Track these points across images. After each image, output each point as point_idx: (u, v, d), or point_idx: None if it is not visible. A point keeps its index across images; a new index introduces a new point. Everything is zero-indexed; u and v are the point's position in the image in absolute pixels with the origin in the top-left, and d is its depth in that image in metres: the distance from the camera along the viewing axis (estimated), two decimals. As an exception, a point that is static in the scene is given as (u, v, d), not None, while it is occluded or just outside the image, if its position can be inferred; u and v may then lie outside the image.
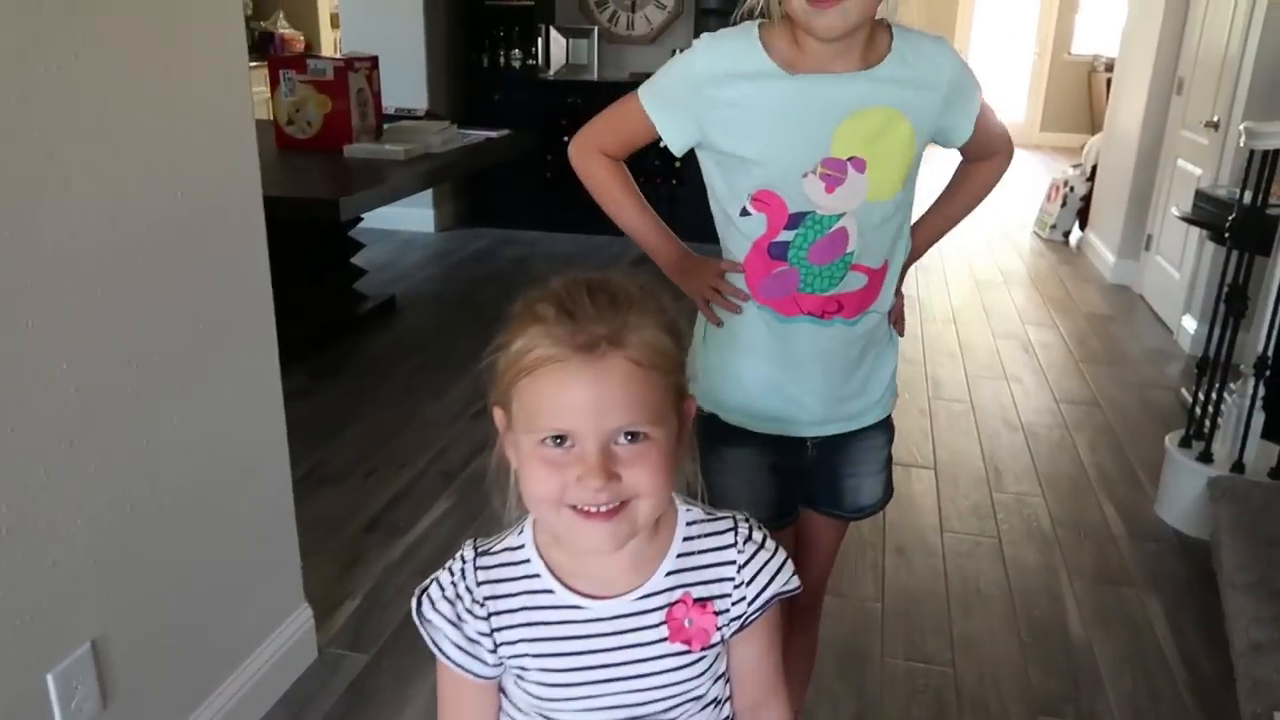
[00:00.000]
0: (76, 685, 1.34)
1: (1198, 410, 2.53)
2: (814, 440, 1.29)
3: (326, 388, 3.27)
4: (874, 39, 1.14)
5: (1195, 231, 3.78)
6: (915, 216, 1.31)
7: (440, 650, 0.86)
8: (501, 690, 0.90)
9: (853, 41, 1.11)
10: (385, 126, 3.82)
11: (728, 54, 1.15)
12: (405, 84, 4.83)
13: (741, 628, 0.89)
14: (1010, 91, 9.50)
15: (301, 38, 6.73)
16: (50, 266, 1.25)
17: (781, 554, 0.90)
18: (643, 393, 0.78)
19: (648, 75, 1.28)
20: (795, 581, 0.90)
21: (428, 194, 5.21)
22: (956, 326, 4.04)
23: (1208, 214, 3.00)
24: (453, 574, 0.87)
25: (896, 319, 1.31)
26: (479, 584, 0.85)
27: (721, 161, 1.20)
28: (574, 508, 0.78)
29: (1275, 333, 2.31)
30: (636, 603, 0.85)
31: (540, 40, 5.33)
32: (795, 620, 1.43)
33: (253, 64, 5.52)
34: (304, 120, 3.67)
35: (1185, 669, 1.97)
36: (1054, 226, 5.64)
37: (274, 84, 3.65)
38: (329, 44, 6.82)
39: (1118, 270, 4.73)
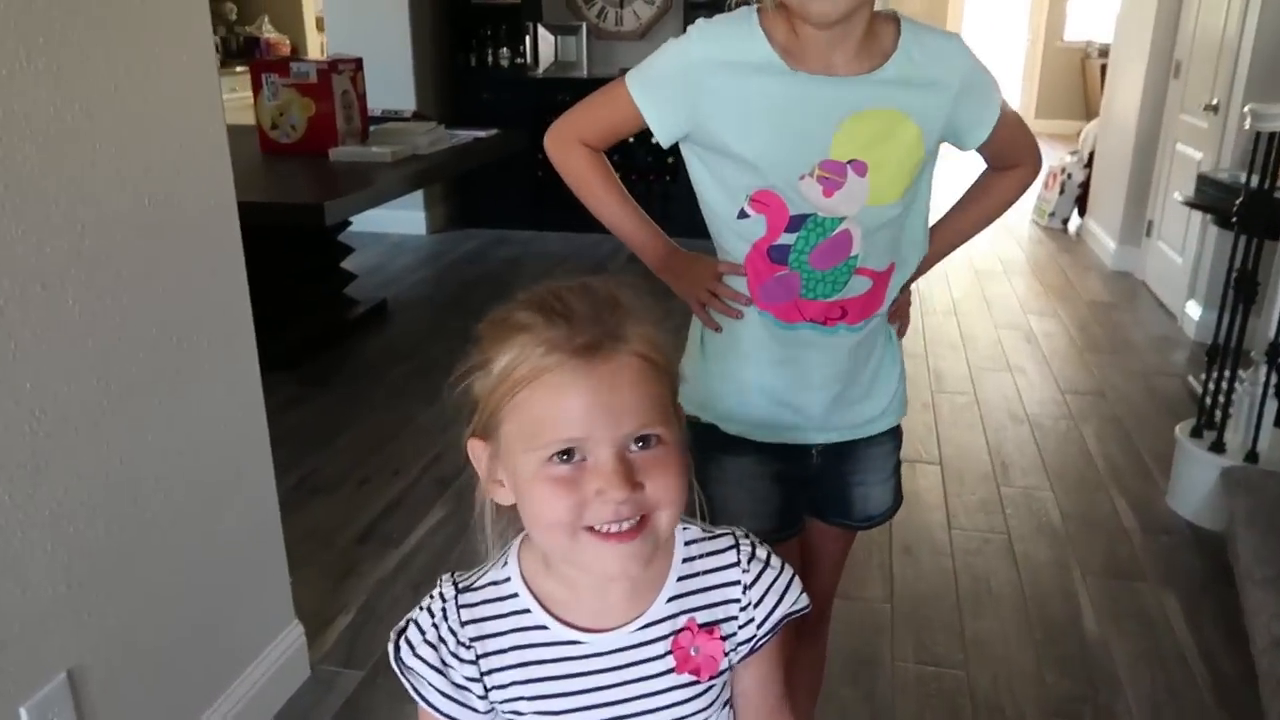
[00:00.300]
0: (53, 718, 1.28)
1: (1208, 399, 2.47)
2: (819, 448, 1.22)
3: (317, 395, 3.20)
4: (878, 33, 1.07)
5: (1198, 216, 3.73)
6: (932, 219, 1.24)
7: (425, 700, 0.78)
8: None
9: (850, 29, 1.04)
10: (371, 129, 3.76)
11: (726, 41, 1.08)
12: (391, 85, 4.77)
13: (751, 651, 0.82)
14: (1004, 80, 9.37)
15: (287, 41, 6.66)
16: (14, 278, 1.19)
17: (789, 571, 0.83)
18: (654, 392, 0.71)
19: (640, 71, 1.21)
20: (805, 600, 0.83)
21: (418, 196, 5.15)
22: (957, 318, 3.98)
23: (1211, 198, 2.95)
24: (433, 615, 0.78)
25: (898, 313, 1.24)
26: (463, 624, 0.77)
27: (711, 159, 1.12)
28: (591, 530, 0.70)
29: (1287, 318, 2.25)
30: (638, 633, 0.78)
31: (528, 38, 5.27)
32: (803, 634, 1.36)
33: (237, 69, 5.44)
34: (288, 124, 3.60)
35: (1204, 666, 1.91)
36: (1053, 214, 5.59)
37: (256, 88, 3.58)
38: (315, 48, 6.75)
39: (1119, 257, 4.68)
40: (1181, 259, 3.96)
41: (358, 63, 3.69)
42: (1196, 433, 2.46)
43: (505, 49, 5.22)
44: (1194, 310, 3.75)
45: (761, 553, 0.83)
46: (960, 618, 2.07)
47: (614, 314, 0.72)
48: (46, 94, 1.21)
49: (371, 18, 4.97)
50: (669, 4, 5.34)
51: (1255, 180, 2.27)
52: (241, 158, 1.61)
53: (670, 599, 0.79)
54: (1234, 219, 2.29)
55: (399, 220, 5.12)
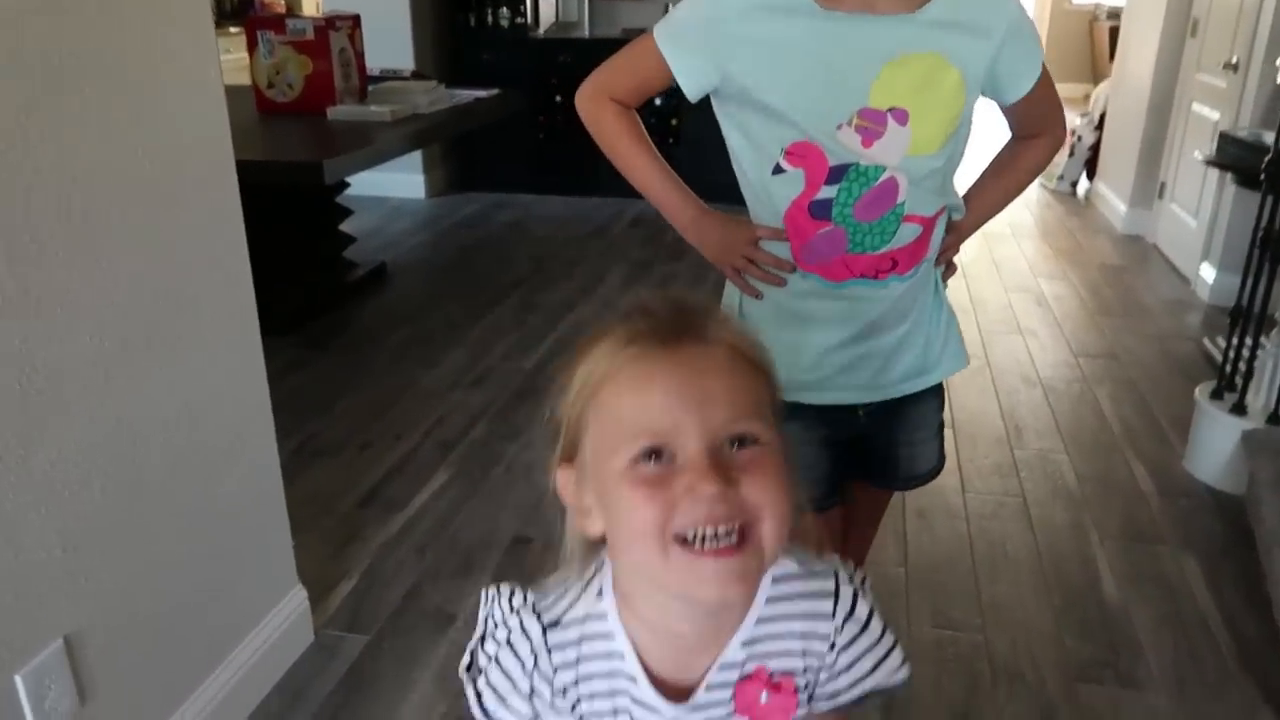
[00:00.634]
0: (49, 684, 1.23)
1: (1229, 362, 2.42)
2: (866, 408, 1.17)
3: (317, 359, 3.15)
4: None
5: (1213, 177, 3.66)
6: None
7: None
8: None
9: None
10: (370, 88, 3.67)
11: None
12: (390, 44, 4.66)
13: (830, 710, 0.74)
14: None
15: (283, 1, 6.53)
16: (2, 232, 1.13)
17: (890, 638, 0.75)
18: (747, 385, 0.64)
19: (641, 32, 1.15)
20: (903, 674, 0.75)
21: (417, 159, 5.06)
22: (967, 281, 3.92)
23: (1234, 156, 2.88)
24: (521, 660, 0.70)
25: (944, 255, 1.18)
26: (557, 670, 0.70)
27: (742, 113, 1.06)
28: (685, 543, 0.61)
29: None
30: (707, 694, 0.70)
31: (529, -3, 5.15)
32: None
33: (231, 30, 5.32)
34: (284, 83, 3.51)
35: (1227, 631, 1.87)
36: (1061, 177, 5.50)
37: (252, 46, 3.50)
38: (311, 7, 6.61)
39: (1129, 220, 4.61)
40: (1195, 221, 3.89)
41: (355, 19, 3.60)
42: (1216, 395, 2.41)
43: (505, 8, 5.11)
44: (1208, 273, 3.69)
45: (862, 611, 0.73)
46: (976, 582, 2.03)
47: (700, 312, 0.66)
48: (31, 44, 1.15)
49: (368, -25, 4.84)
50: (672, -39, 5.21)
51: (1282, 135, 2.20)
52: (237, 117, 1.54)
53: (745, 643, 0.70)
54: (1262, 177, 2.22)
55: (398, 183, 5.04)
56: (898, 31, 1.00)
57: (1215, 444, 2.37)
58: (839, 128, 1.01)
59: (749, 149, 1.08)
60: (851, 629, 0.72)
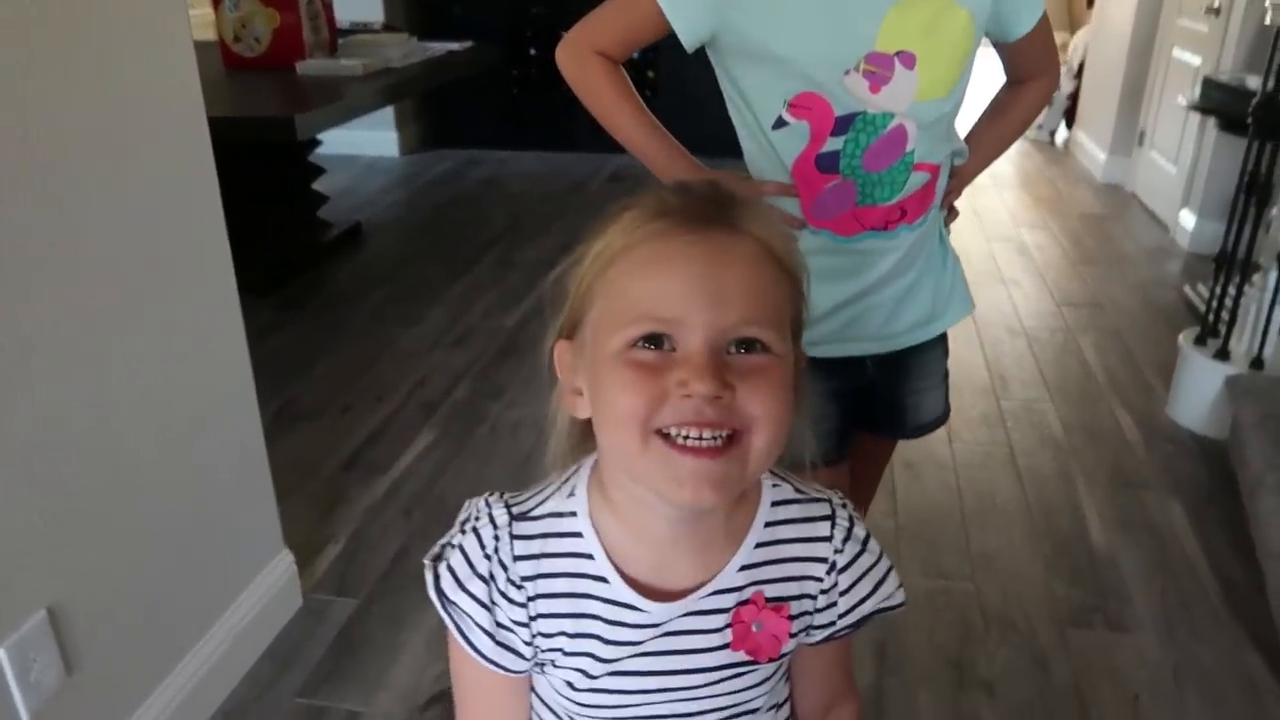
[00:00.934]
0: (34, 657, 1.20)
1: (1213, 307, 2.42)
2: (874, 358, 1.15)
3: (294, 321, 3.09)
4: None
5: (1193, 124, 3.65)
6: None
7: (469, 641, 0.68)
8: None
9: None
10: (340, 41, 3.57)
11: None
12: (358, -4, 4.53)
13: (827, 639, 0.72)
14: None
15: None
16: (-43, 185, 1.07)
17: (886, 561, 0.73)
18: (769, 287, 0.60)
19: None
20: (900, 596, 0.73)
21: (389, 115, 4.95)
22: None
23: (1218, 101, 2.86)
24: (483, 544, 0.67)
25: (948, 199, 1.15)
26: (516, 559, 0.66)
27: (741, 65, 1.02)
28: (666, 437, 0.58)
29: (1297, 221, 2.19)
30: (701, 601, 0.67)
31: (499, -55, 5.02)
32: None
33: (192, -21, 5.04)
34: (251, 37, 3.40)
35: (1213, 574, 1.89)
36: (1040, 126, 5.47)
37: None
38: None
39: (1109, 168, 4.60)
40: (1175, 168, 3.89)
41: (322, -31, 3.49)
42: (1200, 341, 2.42)
43: (475, -43, 4.98)
44: (1188, 220, 3.69)
45: (860, 532, 0.72)
46: (966, 531, 2.03)
47: (737, 200, 0.61)
48: (-18, -25, 1.08)
49: (333, -76, 4.69)
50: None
51: (1273, 81, 2.18)
52: (203, 72, 1.48)
53: (744, 567, 0.68)
54: (1249, 120, 2.20)
55: (370, 141, 4.93)
56: None
57: (1199, 390, 2.38)
58: (846, 74, 0.98)
59: (749, 103, 1.04)
60: (852, 548, 0.71)
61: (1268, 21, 2.19)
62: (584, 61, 1.10)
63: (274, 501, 1.75)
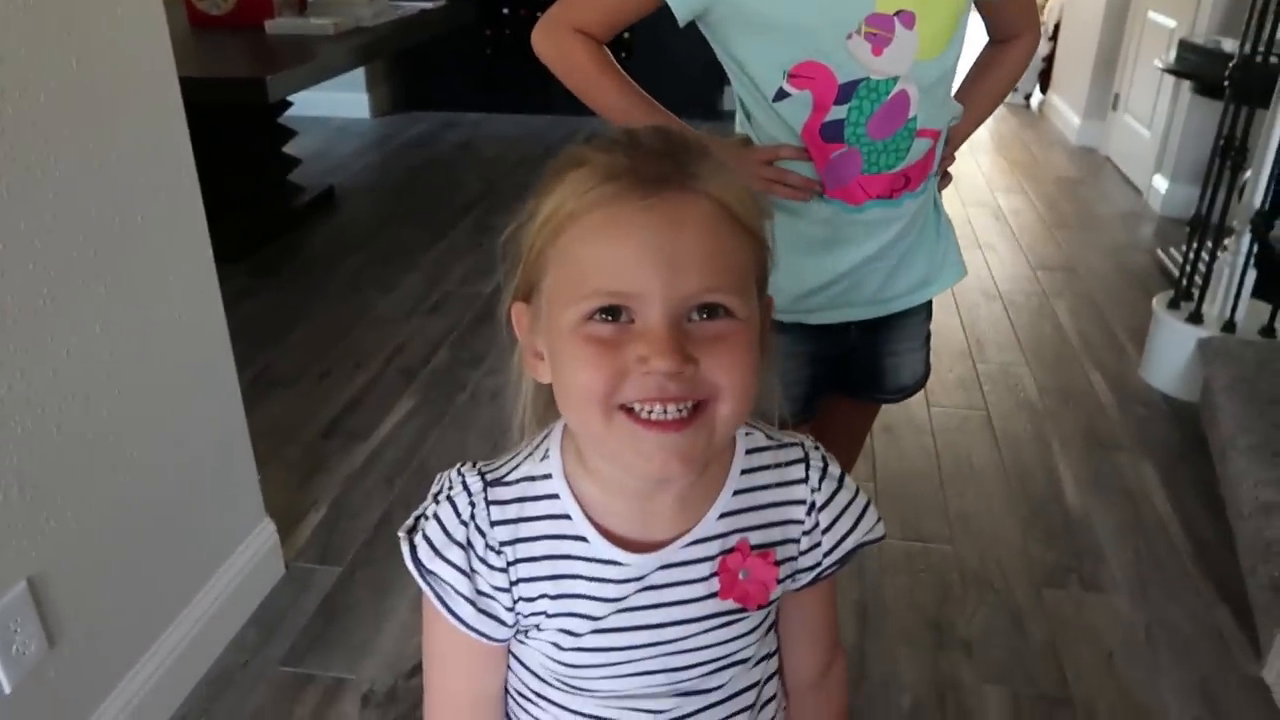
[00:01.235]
0: (15, 628, 1.19)
1: (1186, 271, 2.45)
2: (860, 323, 1.15)
3: (268, 286, 3.05)
4: None
5: (1167, 88, 3.67)
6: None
7: (450, 610, 0.67)
8: (510, 652, 0.73)
9: None
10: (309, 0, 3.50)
11: None
12: (326, -47, 4.42)
13: (813, 581, 0.72)
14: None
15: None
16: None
17: (864, 496, 0.73)
18: (728, 249, 0.58)
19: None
20: (881, 529, 0.73)
21: (359, 76, 4.87)
22: (924, 196, 3.92)
23: (1194, 65, 2.87)
24: (459, 511, 0.66)
25: (943, 162, 1.15)
26: (494, 524, 0.66)
27: (739, 36, 1.00)
28: (630, 412, 0.57)
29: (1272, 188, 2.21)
30: (682, 551, 0.67)
31: (471, -99, 4.91)
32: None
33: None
34: (217, -7, 3.33)
35: (1184, 534, 1.93)
36: (1015, 89, 5.48)
37: (180, -47, 3.29)
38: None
39: (1083, 132, 4.62)
40: (1149, 132, 3.91)
41: (290, -75, 3.40)
42: (1173, 305, 2.45)
43: (447, -86, 4.87)
44: (1160, 184, 3.72)
45: (835, 470, 0.72)
46: (944, 494, 2.06)
47: (690, 152, 0.58)
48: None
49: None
50: None
51: (1249, 45, 2.19)
52: (169, 30, 1.44)
53: (723, 515, 0.68)
54: (1226, 83, 2.21)
55: (341, 103, 4.85)
56: None
57: (1171, 353, 2.41)
58: (849, 37, 0.97)
59: (749, 75, 1.03)
60: (829, 485, 0.71)
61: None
62: (565, 42, 1.06)
63: (254, 469, 1.73)
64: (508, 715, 0.75)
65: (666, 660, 0.68)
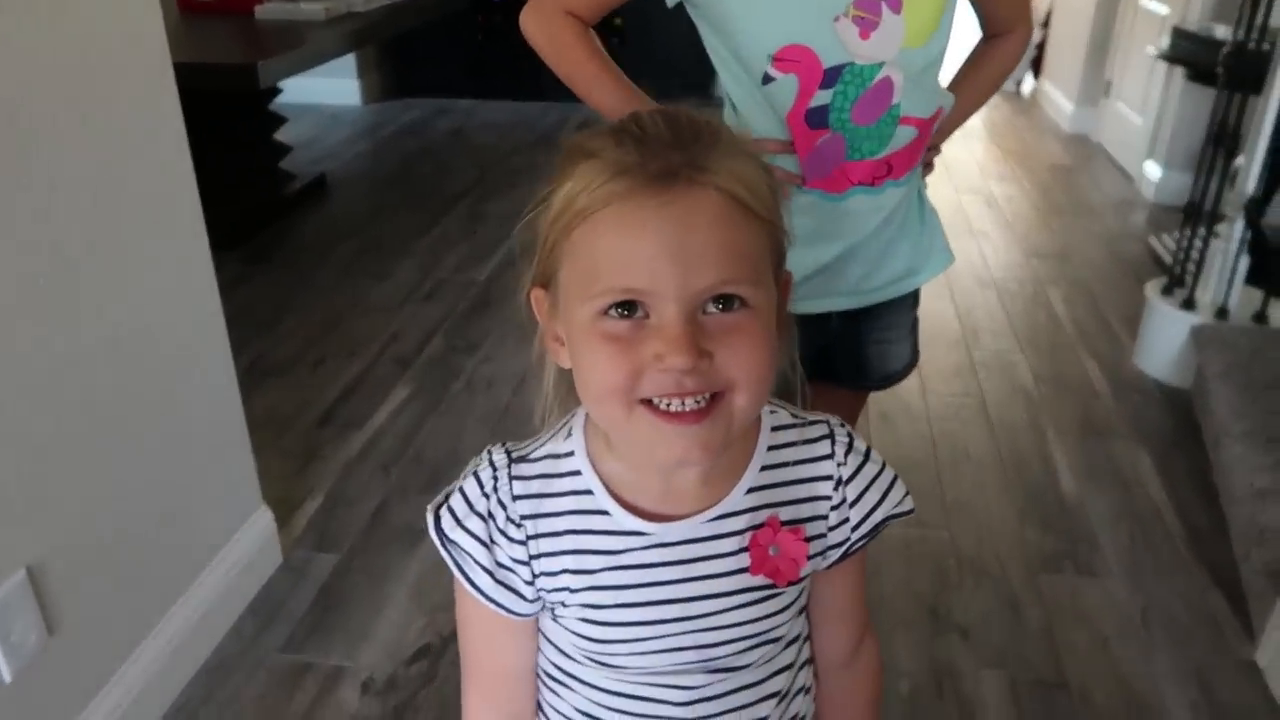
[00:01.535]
0: (14, 617, 1.19)
1: (1180, 258, 2.46)
2: (841, 313, 1.15)
3: (261, 274, 3.04)
4: None
5: (1160, 75, 3.67)
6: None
7: (469, 579, 0.68)
8: (540, 633, 0.74)
9: None
10: (300, -16, 3.46)
11: None
12: (316, -62, 4.38)
13: (843, 557, 0.73)
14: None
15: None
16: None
17: (890, 470, 0.73)
18: (740, 240, 0.58)
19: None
20: (909, 503, 0.74)
21: (350, 63, 4.83)
22: (918, 184, 3.92)
23: (1186, 51, 2.87)
24: (482, 485, 0.68)
25: (928, 151, 1.15)
26: (515, 498, 0.67)
27: (726, 20, 1.00)
28: (650, 405, 0.59)
29: (1265, 174, 2.22)
30: (710, 525, 0.67)
31: (462, -115, 4.87)
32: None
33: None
34: (207, -22, 3.30)
35: (1178, 519, 1.94)
36: (1007, 78, 5.48)
37: (169, -63, 3.26)
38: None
39: (1076, 119, 4.62)
40: (1141, 119, 3.92)
41: (280, -91, 3.37)
42: (1166, 291, 2.46)
43: (437, -102, 4.83)
44: (1153, 171, 3.73)
45: (860, 445, 0.73)
46: (940, 481, 2.07)
47: (699, 141, 0.58)
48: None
49: None
50: None
51: (1242, 31, 2.19)
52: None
53: (750, 490, 0.68)
54: (1219, 70, 2.22)
55: (332, 90, 4.82)
56: None
57: (1165, 340, 2.42)
58: (836, 20, 0.96)
59: (734, 59, 1.03)
60: (855, 459, 0.72)
61: (1241, -28, 2.19)
62: (552, 24, 1.06)
63: (251, 457, 1.73)
64: (539, 702, 0.76)
65: (697, 636, 0.68)
